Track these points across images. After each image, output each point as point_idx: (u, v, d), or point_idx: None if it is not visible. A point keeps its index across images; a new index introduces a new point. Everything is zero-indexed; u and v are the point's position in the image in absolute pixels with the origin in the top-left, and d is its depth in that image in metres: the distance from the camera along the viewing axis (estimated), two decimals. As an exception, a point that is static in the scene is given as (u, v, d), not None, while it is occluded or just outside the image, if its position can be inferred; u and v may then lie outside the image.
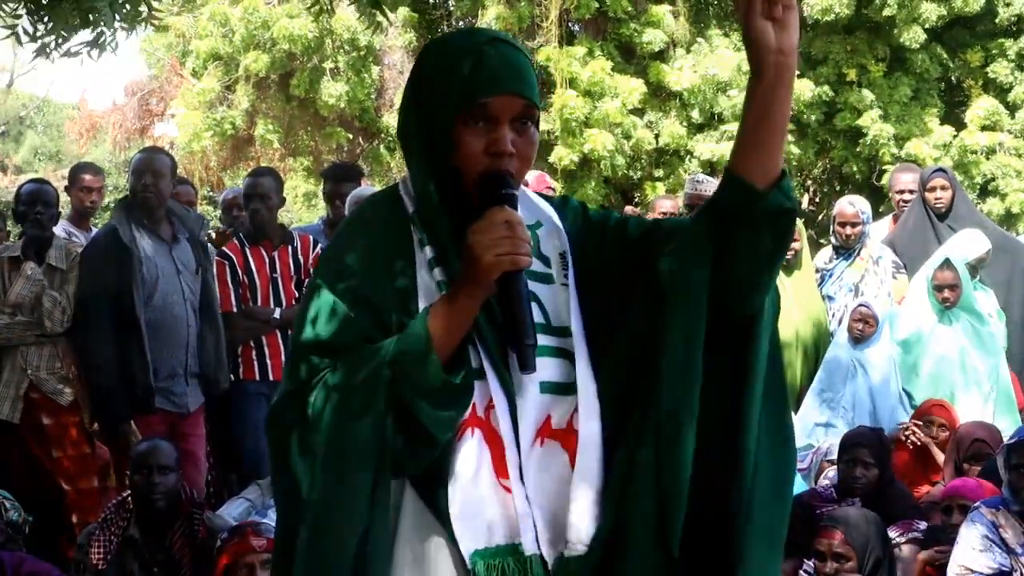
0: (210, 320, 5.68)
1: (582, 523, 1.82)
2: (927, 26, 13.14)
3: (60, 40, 3.86)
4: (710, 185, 6.98)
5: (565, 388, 1.89)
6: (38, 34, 3.81)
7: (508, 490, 1.81)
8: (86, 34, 3.81)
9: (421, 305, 1.85)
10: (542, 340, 1.86)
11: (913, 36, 13.13)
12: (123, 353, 5.30)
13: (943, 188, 6.82)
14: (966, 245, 6.48)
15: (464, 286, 1.79)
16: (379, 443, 1.77)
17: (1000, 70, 13.69)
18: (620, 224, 2.01)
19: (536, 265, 1.91)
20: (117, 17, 3.79)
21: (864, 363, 6.24)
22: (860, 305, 6.35)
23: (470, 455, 1.81)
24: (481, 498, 1.80)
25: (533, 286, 1.90)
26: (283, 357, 5.95)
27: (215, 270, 5.86)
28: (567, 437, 1.86)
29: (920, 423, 5.74)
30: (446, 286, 1.85)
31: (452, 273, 1.86)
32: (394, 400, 1.76)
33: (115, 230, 5.45)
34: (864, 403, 6.19)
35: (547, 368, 1.88)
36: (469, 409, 1.82)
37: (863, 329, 6.25)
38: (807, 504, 4.83)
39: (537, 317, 1.89)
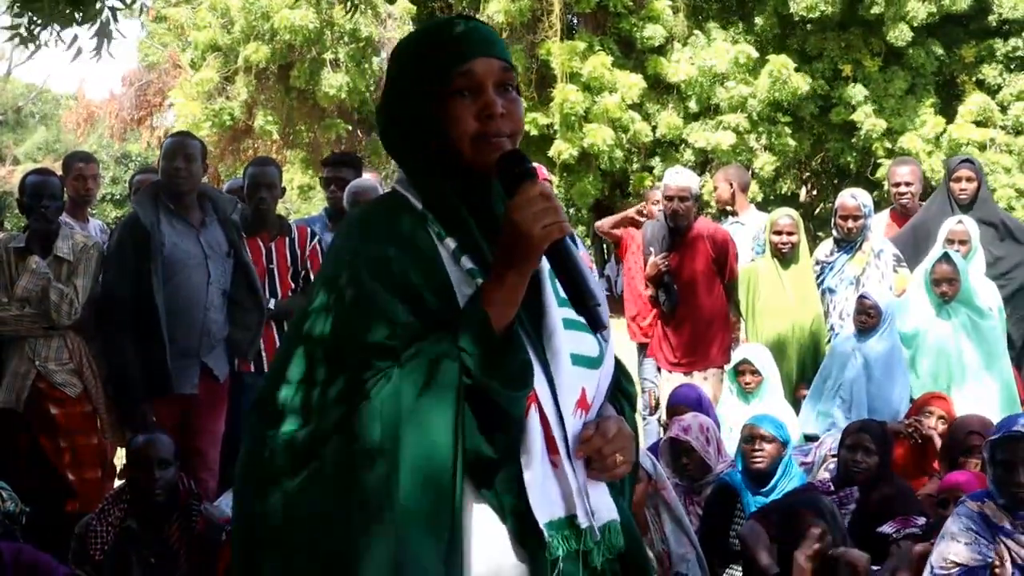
0: (252, 296, 5.66)
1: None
2: (915, 24, 13.15)
3: (55, 33, 3.86)
4: (686, 176, 6.99)
5: (594, 362, 1.94)
6: (35, 30, 3.80)
7: (556, 465, 1.86)
8: (82, 30, 3.81)
9: (459, 296, 1.86)
10: (573, 314, 1.89)
11: (900, 34, 13.15)
12: (141, 337, 5.30)
13: (968, 180, 6.82)
14: (946, 226, 6.54)
15: (513, 264, 1.80)
16: (457, 437, 1.77)
17: (989, 72, 13.73)
18: None
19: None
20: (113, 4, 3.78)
21: (866, 354, 6.25)
22: (862, 296, 6.36)
23: (532, 431, 1.84)
24: (543, 473, 1.84)
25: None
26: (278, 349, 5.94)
27: None
28: (588, 409, 1.94)
29: (919, 419, 5.73)
30: (478, 272, 1.86)
31: (479, 258, 1.87)
32: (465, 390, 1.78)
33: (136, 217, 5.44)
34: (863, 394, 6.19)
35: (579, 342, 1.92)
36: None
37: (865, 320, 6.26)
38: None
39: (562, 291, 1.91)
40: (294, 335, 1.90)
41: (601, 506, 1.91)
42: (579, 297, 1.83)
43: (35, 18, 3.73)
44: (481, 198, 1.93)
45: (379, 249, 1.86)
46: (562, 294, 1.89)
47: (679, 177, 6.93)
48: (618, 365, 2.08)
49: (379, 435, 1.75)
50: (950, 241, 6.41)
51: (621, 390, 2.09)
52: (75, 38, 3.86)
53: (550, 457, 1.86)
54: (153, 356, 5.30)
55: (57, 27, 3.79)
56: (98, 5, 3.78)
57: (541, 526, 1.82)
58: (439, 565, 1.75)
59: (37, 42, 3.86)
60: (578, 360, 1.91)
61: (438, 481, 1.75)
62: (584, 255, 2.05)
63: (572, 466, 1.88)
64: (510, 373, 1.79)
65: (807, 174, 15.39)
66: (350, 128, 15.00)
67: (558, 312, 1.90)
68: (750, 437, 5.08)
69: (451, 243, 1.89)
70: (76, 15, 3.69)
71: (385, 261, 1.84)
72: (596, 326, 1.86)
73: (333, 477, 1.77)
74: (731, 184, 8.06)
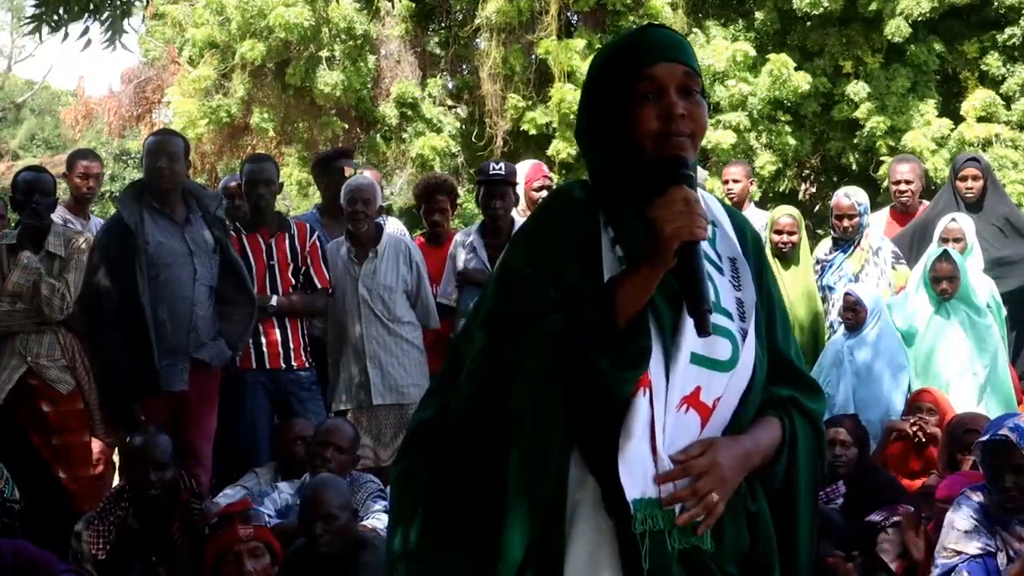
0: (241, 291, 5.66)
1: None
2: (914, 18, 13.12)
3: (58, 22, 3.86)
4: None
5: (722, 365, 2.03)
6: (58, 20, 3.80)
7: (655, 451, 1.96)
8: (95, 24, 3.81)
9: (606, 278, 2.01)
10: (715, 320, 1.99)
11: (897, 29, 13.12)
12: (129, 337, 5.29)
13: (975, 178, 6.83)
14: (942, 224, 6.56)
15: (647, 258, 1.93)
16: (556, 407, 1.94)
17: (992, 62, 13.69)
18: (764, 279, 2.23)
19: (710, 253, 2.11)
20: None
21: (856, 350, 6.26)
22: (846, 293, 6.36)
23: (639, 412, 1.95)
24: (642, 453, 1.95)
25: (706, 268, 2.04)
26: (280, 346, 5.94)
27: None
28: (709, 411, 2.02)
29: (923, 416, 5.72)
30: (625, 261, 2.02)
31: (630, 249, 2.02)
32: (579, 360, 1.92)
33: (119, 216, 5.44)
34: (850, 390, 6.20)
35: (709, 344, 2.01)
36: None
37: (851, 317, 6.27)
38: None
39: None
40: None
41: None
42: (691, 300, 1.95)
43: (55, 10, 3.74)
44: (650, 196, 2.01)
45: (540, 238, 2.09)
46: (712, 297, 2.00)
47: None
48: (799, 381, 2.19)
49: (492, 395, 1.97)
50: (944, 239, 6.43)
51: (798, 405, 2.16)
52: (86, 30, 3.86)
53: (651, 443, 1.95)
54: (140, 354, 5.29)
55: (68, 19, 3.80)
56: None
57: (629, 501, 1.92)
58: (533, 525, 1.92)
59: (64, 31, 3.86)
60: (699, 360, 2.01)
61: (539, 446, 1.93)
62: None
63: (662, 455, 1.97)
64: (623, 356, 1.91)
65: (807, 172, 15.37)
66: (346, 126, 14.99)
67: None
68: None
69: (611, 232, 2.06)
70: (91, 6, 3.70)
71: (543, 244, 2.06)
72: (701, 330, 1.94)
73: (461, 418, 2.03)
74: (750, 180, 8.10)
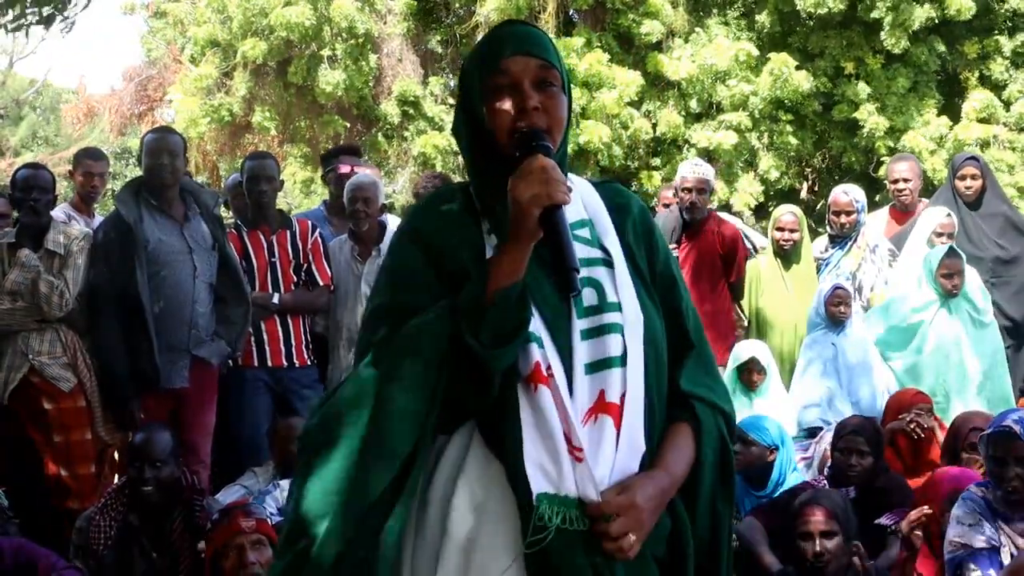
0: (236, 290, 5.68)
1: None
2: (914, 28, 13.09)
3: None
4: (705, 168, 6.97)
5: (615, 361, 2.01)
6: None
7: (578, 459, 1.94)
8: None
9: None
10: (593, 322, 2.02)
11: (896, 42, 13.09)
12: (129, 334, 5.31)
13: (973, 177, 6.84)
14: (932, 218, 6.59)
15: (511, 233, 1.95)
16: (437, 377, 1.95)
17: (995, 67, 13.69)
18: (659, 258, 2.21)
19: (588, 252, 2.08)
20: None
21: (843, 344, 6.27)
22: (837, 288, 6.37)
23: (541, 409, 1.94)
24: (555, 451, 1.93)
25: (587, 270, 2.05)
26: (282, 343, 5.95)
27: None
28: (619, 409, 2.00)
29: (920, 413, 5.72)
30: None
31: (502, 235, 2.02)
32: (456, 338, 1.93)
33: (118, 214, 5.45)
34: (842, 384, 6.22)
35: (598, 347, 2.01)
36: (532, 366, 1.95)
37: (844, 311, 6.28)
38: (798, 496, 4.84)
39: (591, 299, 2.05)
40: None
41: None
42: (556, 260, 1.96)
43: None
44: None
45: (423, 224, 2.10)
46: (584, 303, 2.02)
47: (699, 169, 6.91)
48: (708, 371, 2.18)
49: (370, 378, 1.96)
50: (939, 234, 6.44)
51: (710, 404, 2.14)
52: (21, 14, 3.83)
53: (570, 444, 1.94)
54: (141, 351, 5.32)
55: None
56: None
57: (533, 493, 1.91)
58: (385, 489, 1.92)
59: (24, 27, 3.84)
60: (593, 367, 2.00)
61: (401, 421, 1.93)
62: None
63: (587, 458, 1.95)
64: (496, 330, 1.92)
65: (808, 170, 15.36)
66: (348, 125, 14.99)
67: (577, 324, 2.01)
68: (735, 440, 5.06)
69: (486, 223, 2.08)
70: None
71: (425, 234, 2.07)
72: (569, 289, 1.96)
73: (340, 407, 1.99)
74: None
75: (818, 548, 4.23)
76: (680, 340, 2.15)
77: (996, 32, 13.79)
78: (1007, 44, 13.73)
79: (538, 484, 1.91)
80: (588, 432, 1.96)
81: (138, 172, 5.73)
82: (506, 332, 1.92)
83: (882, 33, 13.20)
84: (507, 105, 2.03)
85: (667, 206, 7.43)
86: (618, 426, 1.98)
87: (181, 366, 5.48)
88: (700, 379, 2.15)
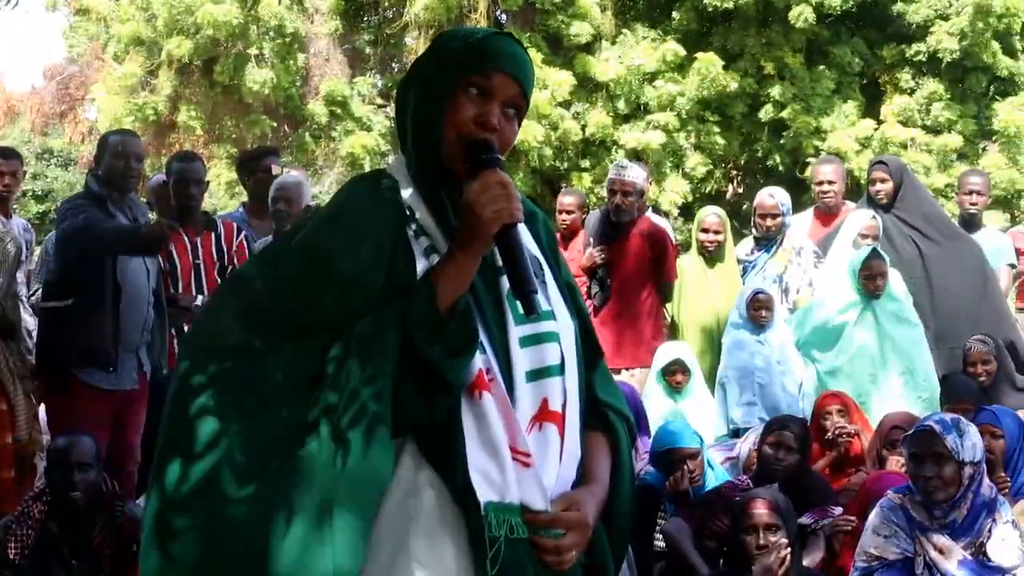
0: (156, 303, 5.63)
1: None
2: (825, 11, 13.26)
3: None
4: (634, 171, 6.98)
5: (555, 369, 2.02)
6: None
7: (525, 464, 1.93)
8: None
9: (419, 271, 1.96)
10: (531, 330, 2.00)
11: (800, 13, 13.23)
12: (98, 313, 5.24)
13: (882, 180, 6.91)
14: (857, 221, 6.69)
15: (463, 243, 1.93)
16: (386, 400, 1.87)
17: (903, 76, 14.03)
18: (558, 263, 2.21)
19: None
20: None
21: (767, 346, 6.35)
22: (758, 292, 6.43)
23: (485, 416, 1.91)
24: (500, 458, 1.91)
25: None
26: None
27: None
28: (562, 417, 2.01)
29: (841, 422, 5.77)
30: (433, 250, 1.98)
31: (436, 239, 2.00)
32: (407, 352, 1.88)
33: (99, 198, 5.36)
34: (763, 387, 6.29)
35: (538, 354, 2.01)
36: (475, 373, 1.92)
37: (765, 315, 6.34)
38: (724, 495, 4.88)
39: None
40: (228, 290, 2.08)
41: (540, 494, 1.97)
42: (516, 282, 1.94)
43: None
44: (449, 192, 2.03)
45: (337, 240, 1.98)
46: (519, 310, 1.98)
47: (625, 171, 6.90)
48: (609, 381, 2.21)
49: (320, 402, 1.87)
50: (864, 236, 6.54)
51: (619, 413, 2.16)
52: None
53: (516, 450, 1.93)
54: (104, 333, 5.26)
55: None
56: None
57: (481, 502, 1.88)
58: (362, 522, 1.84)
59: None
60: (535, 375, 1.99)
61: (362, 442, 1.84)
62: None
63: (535, 466, 1.95)
64: (452, 343, 1.88)
65: (735, 172, 15.53)
66: (275, 124, 14.87)
67: (515, 331, 2.00)
68: (676, 460, 5.07)
69: (425, 241, 2.00)
70: None
71: (340, 252, 1.95)
72: (529, 310, 1.94)
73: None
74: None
75: (762, 541, 4.25)
76: (590, 347, 2.17)
77: (904, 41, 14.10)
78: (909, 52, 14.05)
79: (484, 493, 1.90)
80: (534, 440, 1.96)
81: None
82: (461, 345, 1.90)
83: (789, 14, 13.33)
84: (472, 107, 2.00)
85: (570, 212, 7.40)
86: (562, 434, 1.99)
87: (131, 367, 5.43)
88: (608, 387, 2.19)
